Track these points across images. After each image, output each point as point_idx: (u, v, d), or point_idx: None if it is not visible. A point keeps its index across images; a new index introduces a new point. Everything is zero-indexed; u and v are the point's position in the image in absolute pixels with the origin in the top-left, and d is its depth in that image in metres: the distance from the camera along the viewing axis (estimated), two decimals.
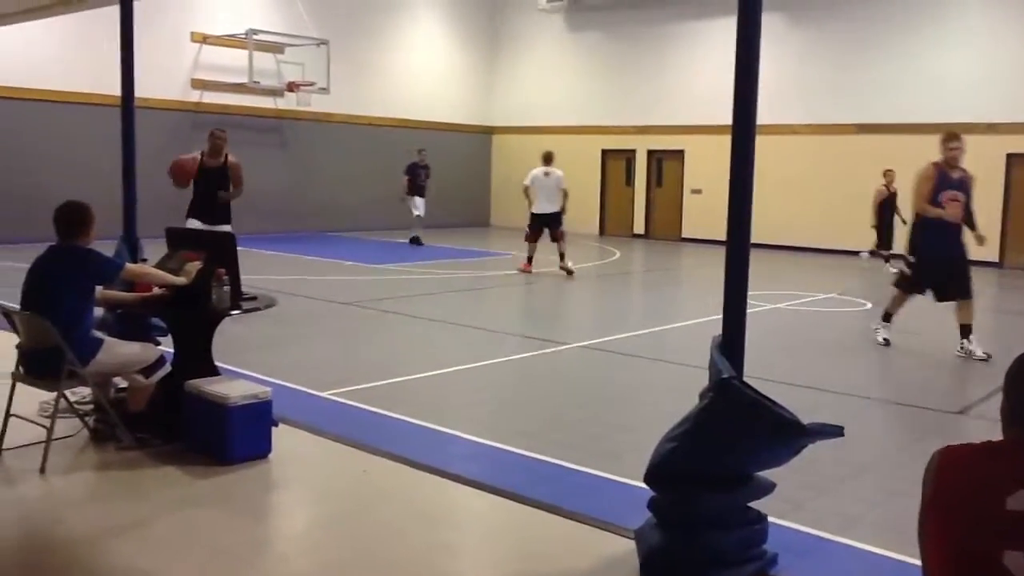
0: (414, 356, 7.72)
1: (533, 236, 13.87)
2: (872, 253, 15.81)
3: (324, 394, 6.23)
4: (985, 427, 5.64)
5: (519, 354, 7.86)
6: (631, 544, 3.67)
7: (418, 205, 18.04)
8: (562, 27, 23.22)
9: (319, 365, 7.09)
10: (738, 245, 3.71)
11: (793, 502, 4.28)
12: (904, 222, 14.23)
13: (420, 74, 22.67)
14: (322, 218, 20.40)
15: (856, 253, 17.10)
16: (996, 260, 17.10)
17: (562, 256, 13.68)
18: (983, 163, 17.09)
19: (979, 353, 7.77)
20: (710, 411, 3.44)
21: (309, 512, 4.32)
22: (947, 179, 7.95)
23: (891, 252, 14.64)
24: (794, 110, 18.85)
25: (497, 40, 24.38)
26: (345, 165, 20.96)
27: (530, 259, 13.87)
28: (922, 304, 11.41)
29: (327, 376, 6.70)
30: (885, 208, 15.17)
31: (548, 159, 14.08)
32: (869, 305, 11.43)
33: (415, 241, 18.03)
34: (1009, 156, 16.97)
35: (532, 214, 13.94)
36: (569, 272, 13.59)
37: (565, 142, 22.35)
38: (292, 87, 19.23)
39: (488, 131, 24.57)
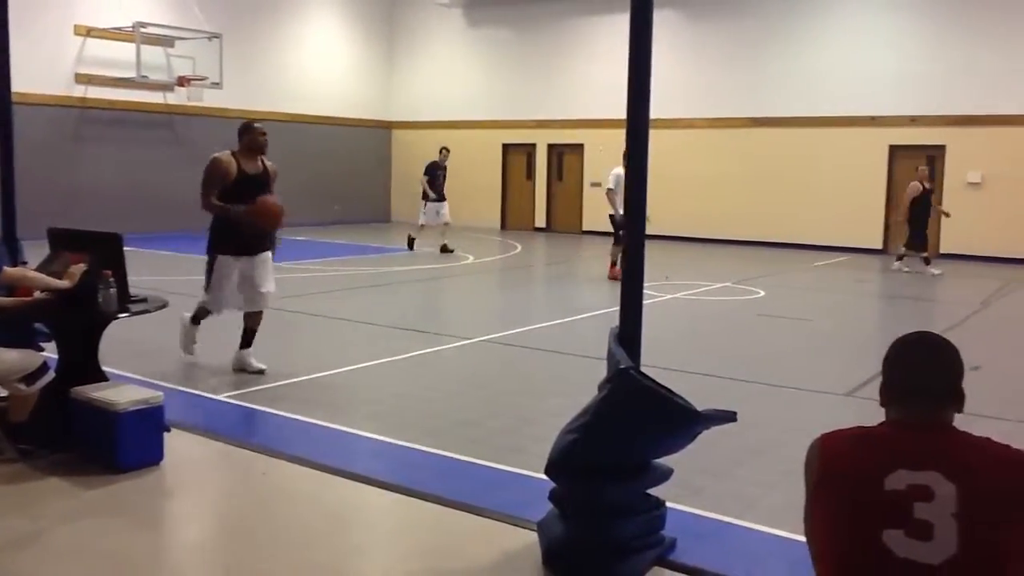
0: (315, 355, 7.59)
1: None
2: (904, 254, 14.78)
3: (220, 397, 6.07)
4: (872, 407, 5.86)
5: (422, 350, 7.82)
6: (535, 536, 3.70)
7: (430, 211, 16.21)
8: (461, 21, 23.17)
9: (214, 367, 6.90)
10: (634, 237, 3.76)
11: (691, 487, 4.37)
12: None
13: (317, 69, 22.30)
14: None
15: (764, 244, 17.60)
16: (880, 247, 17.87)
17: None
18: (867, 155, 17.89)
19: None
20: (609, 402, 3.48)
21: (207, 519, 4.21)
22: None
23: (925, 254, 14.40)
24: (691, 104, 19.27)
25: (395, 34, 24.17)
26: None
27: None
28: (811, 292, 11.84)
29: (222, 378, 6.53)
30: (920, 206, 14.32)
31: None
32: (762, 293, 11.79)
33: (444, 249, 16.02)
34: (891, 148, 17.73)
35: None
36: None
37: (466, 137, 22.33)
38: (183, 82, 18.65)
39: (387, 126, 24.36)
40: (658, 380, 3.46)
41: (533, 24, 21.87)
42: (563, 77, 21.39)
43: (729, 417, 3.49)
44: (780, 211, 18.47)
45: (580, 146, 21.40)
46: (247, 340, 6.83)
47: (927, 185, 14.48)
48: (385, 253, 16.39)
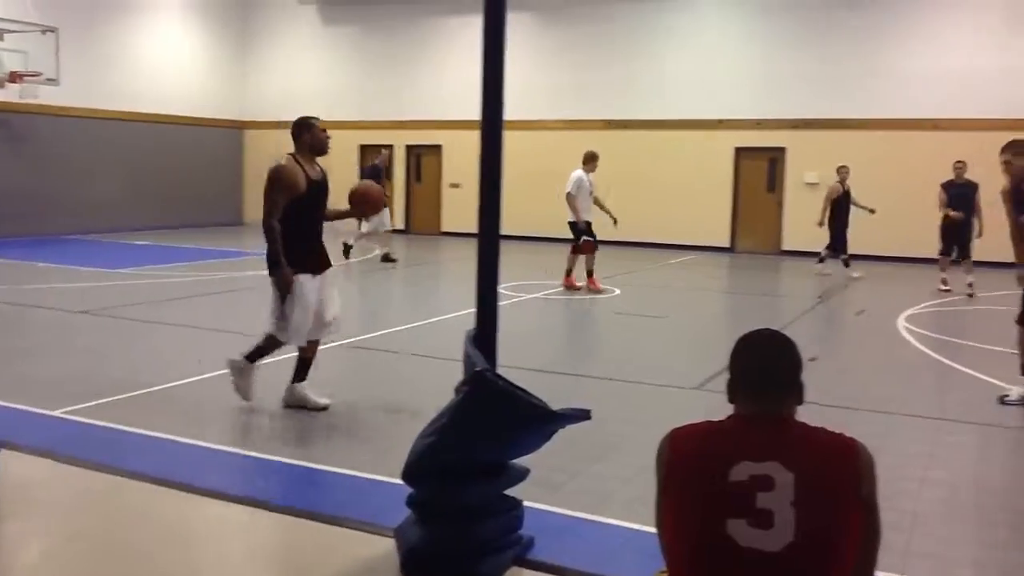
0: (160, 366, 7.25)
1: None
2: (826, 256, 14.68)
3: (56, 413, 5.71)
4: (721, 400, 6.08)
5: (276, 357, 7.60)
6: (392, 544, 3.64)
7: (373, 219, 15.20)
8: (316, 20, 22.73)
9: (50, 381, 6.49)
10: (489, 237, 3.76)
11: (548, 485, 4.41)
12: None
13: (164, 66, 21.37)
14: (62, 220, 18.76)
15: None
16: (728, 245, 18.63)
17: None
18: (714, 156, 18.59)
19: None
20: (465, 405, 3.47)
21: (44, 542, 3.94)
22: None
23: (845, 256, 14.26)
24: (548, 106, 19.55)
25: (249, 30, 23.47)
26: (86, 162, 19.41)
27: None
28: (665, 290, 12.18)
29: (59, 393, 6.14)
30: (839, 208, 14.26)
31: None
32: (618, 291, 12.06)
33: (347, 251, 15.27)
34: (737, 150, 18.51)
35: None
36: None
37: None
38: (14, 77, 17.50)
39: (240, 126, 23.62)
40: (515, 381, 3.47)
41: (390, 24, 21.69)
42: (421, 78, 21.30)
43: (583, 415, 3.53)
44: (634, 211, 18.88)
45: (438, 147, 21.36)
46: (303, 372, 5.95)
47: (846, 186, 14.31)
48: (241, 257, 15.88)
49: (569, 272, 12.18)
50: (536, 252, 16.65)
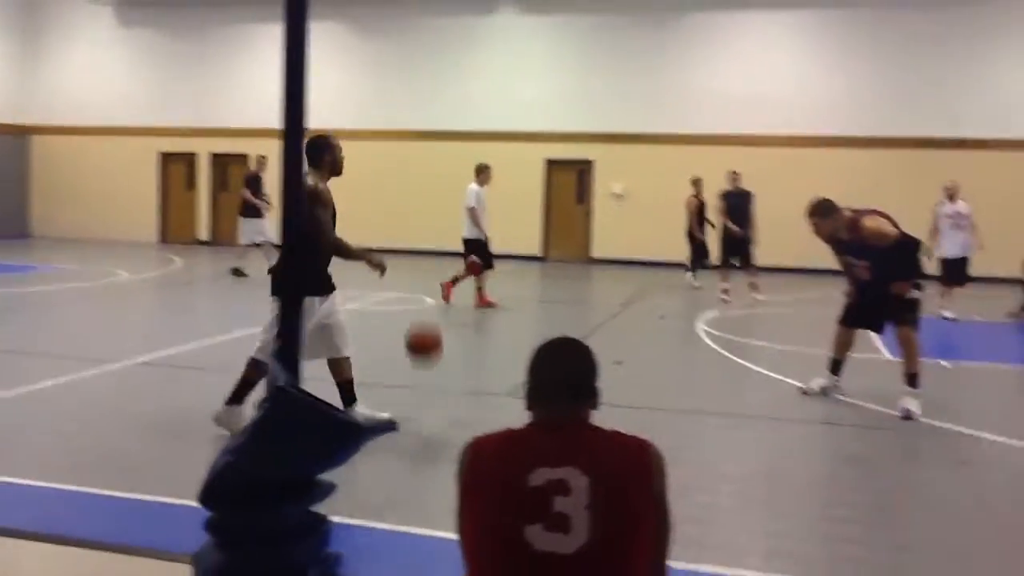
0: None
1: None
2: (695, 268, 14.71)
3: None
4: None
5: (67, 375, 7.08)
6: (190, 571, 3.45)
7: (250, 230, 14.40)
8: (112, 20, 21.48)
9: None
10: (290, 248, 3.65)
11: (357, 499, 4.33)
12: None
13: None
14: None
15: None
16: (540, 254, 19.06)
17: None
18: (525, 168, 18.98)
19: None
20: (266, 421, 3.34)
21: None
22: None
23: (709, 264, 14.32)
24: (356, 116, 19.34)
25: (36, 31, 21.84)
26: None
27: None
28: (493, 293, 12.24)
29: None
30: (697, 219, 14.39)
31: None
32: (431, 301, 12.06)
33: (238, 272, 14.42)
34: (548, 162, 18.98)
35: None
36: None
37: (118, 144, 20.79)
38: None
39: (25, 131, 21.94)
40: (320, 395, 3.38)
41: (193, 28, 20.80)
42: (226, 85, 20.55)
43: (390, 427, 3.49)
44: (447, 222, 19.02)
45: (245, 156, 20.64)
46: (350, 394, 5.51)
47: (702, 198, 14.41)
48: (27, 272, 14.72)
49: (480, 289, 11.77)
50: (349, 264, 16.36)
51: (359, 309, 11.41)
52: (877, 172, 16.66)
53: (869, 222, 6.80)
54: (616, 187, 18.56)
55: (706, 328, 10.39)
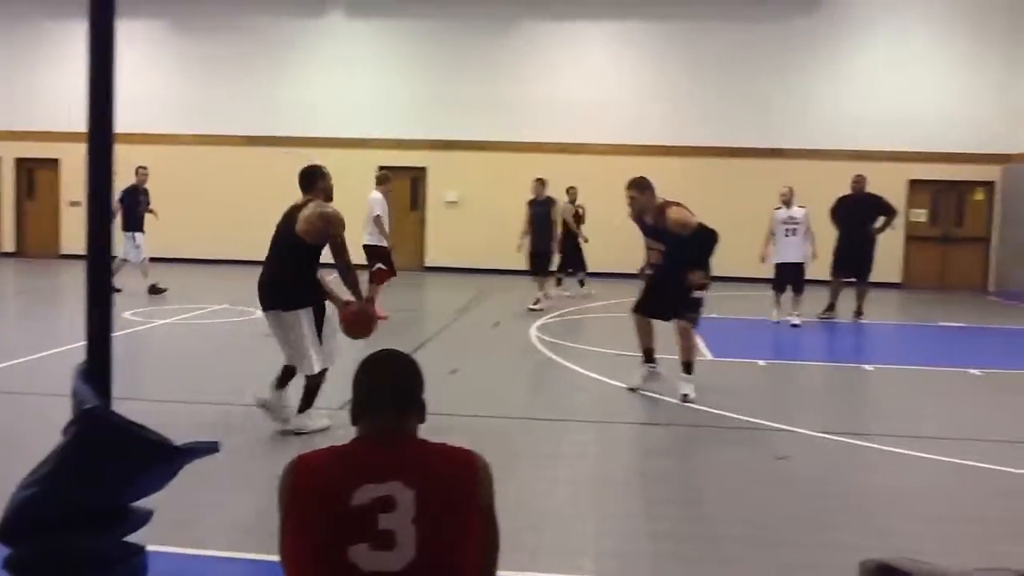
0: None
1: None
2: (562, 277, 14.68)
3: None
4: None
5: None
6: None
7: (130, 245, 13.38)
8: None
9: None
10: (97, 259, 3.40)
11: (179, 525, 4.11)
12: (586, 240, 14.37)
13: None
14: None
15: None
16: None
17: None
18: (357, 175, 18.66)
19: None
20: (73, 447, 3.09)
21: None
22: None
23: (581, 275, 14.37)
24: (181, 120, 18.54)
25: None
26: None
27: None
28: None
29: None
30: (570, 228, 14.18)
31: None
32: (258, 313, 11.65)
33: (156, 290, 13.43)
34: (380, 168, 18.74)
35: None
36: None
37: None
38: None
39: None
40: (135, 416, 3.17)
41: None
42: (33, 83, 19.18)
43: (211, 448, 3.30)
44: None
45: (55, 161, 19.36)
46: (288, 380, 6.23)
47: (577, 207, 14.46)
48: None
49: (371, 300, 11.41)
50: (178, 273, 15.70)
51: (185, 322, 10.91)
52: (699, 180, 17.42)
53: (674, 212, 7.41)
54: (450, 195, 18.60)
55: (538, 334, 10.55)
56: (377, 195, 11.76)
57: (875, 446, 6.13)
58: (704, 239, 7.36)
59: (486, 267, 17.72)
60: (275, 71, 18.74)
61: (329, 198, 6.29)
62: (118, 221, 13.03)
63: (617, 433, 6.54)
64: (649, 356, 7.64)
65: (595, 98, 18.00)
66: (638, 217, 7.64)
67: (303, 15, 18.75)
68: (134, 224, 13.44)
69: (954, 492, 5.36)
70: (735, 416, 6.81)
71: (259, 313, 11.43)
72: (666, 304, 7.44)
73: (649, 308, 7.61)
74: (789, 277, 11.88)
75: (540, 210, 13.08)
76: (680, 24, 17.90)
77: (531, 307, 12.57)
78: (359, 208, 18.85)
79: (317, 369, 6.08)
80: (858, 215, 12.23)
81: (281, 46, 18.76)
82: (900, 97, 17.26)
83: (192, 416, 6.32)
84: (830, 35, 17.54)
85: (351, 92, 18.57)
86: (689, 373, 7.36)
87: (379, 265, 11.44)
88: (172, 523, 3.76)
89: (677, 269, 7.28)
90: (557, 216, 13.16)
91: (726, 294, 15.29)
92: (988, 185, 17.59)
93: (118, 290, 13.03)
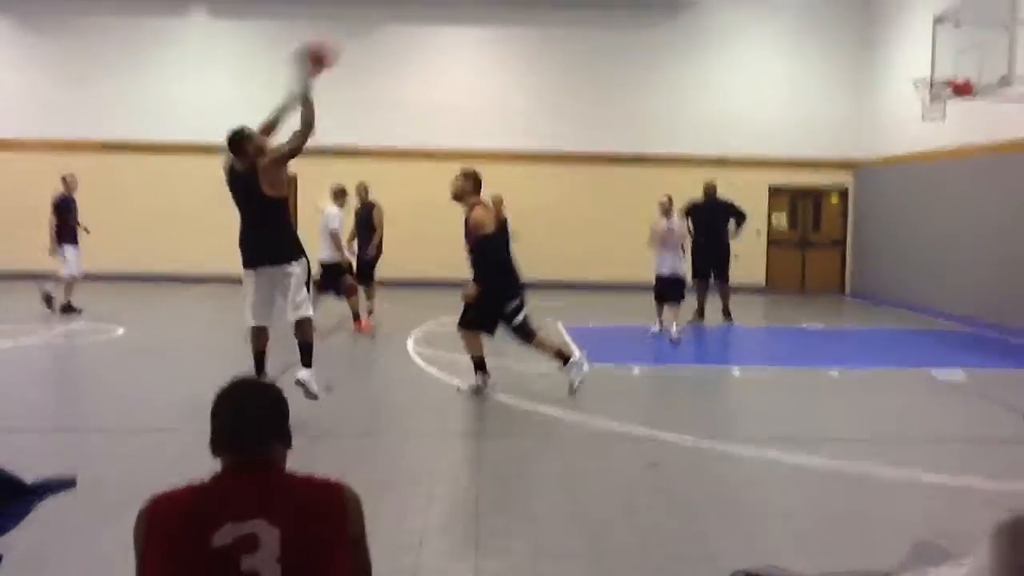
0: None
1: None
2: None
3: None
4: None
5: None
6: None
7: (71, 258, 12.55)
8: None
9: None
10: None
11: (34, 565, 3.86)
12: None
13: None
14: None
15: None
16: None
17: None
18: (216, 183, 18.03)
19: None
20: None
21: None
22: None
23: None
24: (29, 124, 17.56)
25: None
26: None
27: None
28: (177, 323, 11.59)
29: None
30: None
31: None
32: (122, 330, 11.16)
33: (67, 308, 12.39)
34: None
35: None
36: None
37: None
38: None
39: None
40: None
41: None
42: None
43: (68, 483, 3.12)
44: (138, 242, 17.73)
45: None
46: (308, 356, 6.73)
47: (505, 214, 13.78)
48: None
49: (357, 316, 11.45)
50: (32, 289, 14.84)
51: (40, 344, 10.31)
52: (567, 186, 17.72)
53: (477, 212, 7.59)
54: (321, 203, 18.22)
55: (415, 347, 10.47)
56: (334, 209, 11.63)
57: (742, 449, 6.34)
58: (483, 253, 7.57)
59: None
60: (134, 73, 17.96)
61: (261, 155, 6.46)
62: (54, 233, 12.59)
63: (493, 446, 6.53)
64: (480, 365, 7.76)
65: (461, 104, 18.01)
66: (458, 201, 7.85)
67: (163, 13, 18.04)
68: (69, 236, 12.78)
69: (818, 493, 5.59)
70: (608, 423, 6.91)
71: (122, 330, 11.04)
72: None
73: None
74: (669, 289, 11.64)
75: (361, 216, 12.56)
76: (546, 30, 18.10)
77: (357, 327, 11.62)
78: (225, 219, 18.25)
79: (312, 311, 6.73)
80: (711, 220, 12.76)
81: (140, 46, 18.02)
82: (760, 105, 17.99)
83: (45, 447, 5.97)
84: (695, 44, 18.10)
85: (214, 95, 17.93)
86: (479, 370, 7.71)
87: (347, 277, 11.56)
88: (27, 565, 3.53)
89: (478, 276, 7.55)
90: (378, 222, 12.52)
91: (598, 300, 15.58)
92: (842, 191, 18.53)
93: (77, 310, 12.29)
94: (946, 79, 11.31)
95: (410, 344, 10.59)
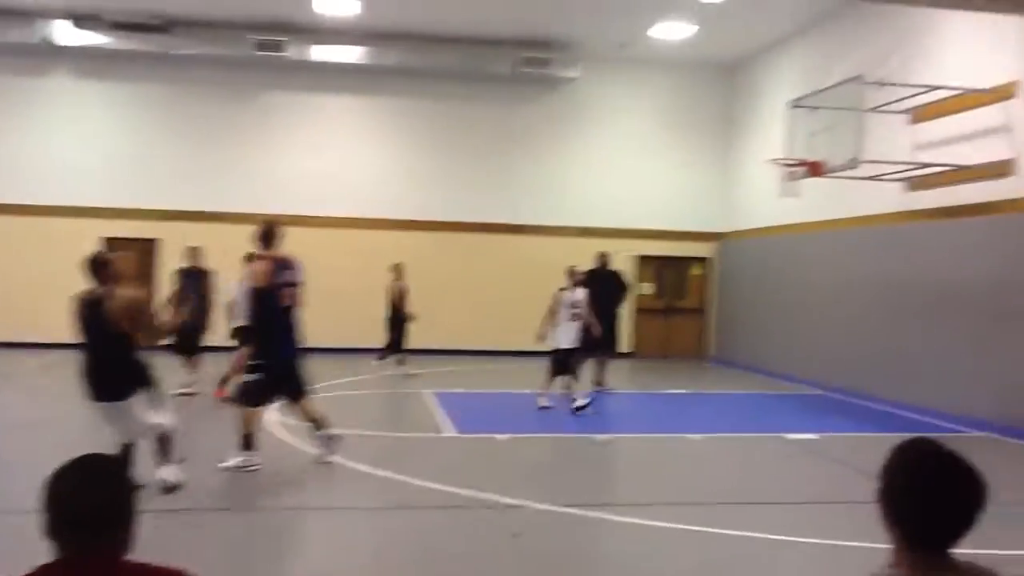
0: None
1: None
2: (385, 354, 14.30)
3: None
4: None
5: None
6: None
7: None
8: None
9: None
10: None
11: None
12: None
13: None
14: None
15: None
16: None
17: None
18: (81, 246, 17.25)
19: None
20: None
21: None
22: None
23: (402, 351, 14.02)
24: None
25: None
26: None
27: None
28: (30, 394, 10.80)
29: None
30: (396, 307, 14.04)
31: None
32: None
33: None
34: (108, 240, 17.51)
35: None
36: None
37: None
38: None
39: None
40: None
41: None
42: None
43: None
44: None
45: None
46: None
47: (404, 283, 14.18)
48: None
49: (225, 382, 10.98)
50: None
51: None
52: (440, 254, 17.72)
53: (257, 264, 7.37)
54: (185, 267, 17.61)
55: (277, 416, 10.10)
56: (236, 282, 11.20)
57: (605, 515, 6.33)
58: (257, 303, 7.24)
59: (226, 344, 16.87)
60: None
61: (120, 281, 6.11)
62: None
63: (351, 519, 6.32)
64: (248, 442, 7.28)
65: (334, 171, 17.86)
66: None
67: (24, 74, 17.28)
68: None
69: (678, 555, 5.62)
70: (472, 493, 6.79)
71: None
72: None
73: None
74: (571, 359, 11.24)
75: (187, 281, 12.05)
76: (427, 102, 18.22)
77: (181, 391, 11.23)
78: (79, 284, 17.42)
79: (163, 421, 6.26)
80: (603, 290, 12.73)
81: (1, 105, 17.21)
82: (630, 179, 18.55)
83: None
84: (570, 119, 18.56)
85: (77, 158, 17.26)
86: (246, 447, 7.19)
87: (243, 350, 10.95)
88: None
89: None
90: (209, 289, 12.11)
91: (471, 367, 15.52)
92: (705, 261, 19.21)
93: None
94: (800, 159, 11.92)
95: (271, 414, 10.22)
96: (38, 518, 1.91)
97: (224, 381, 11.14)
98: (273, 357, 7.27)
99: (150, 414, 6.16)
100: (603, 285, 12.84)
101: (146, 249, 17.53)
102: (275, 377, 7.26)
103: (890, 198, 12.62)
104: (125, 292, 6.02)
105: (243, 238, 16.98)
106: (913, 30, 12.38)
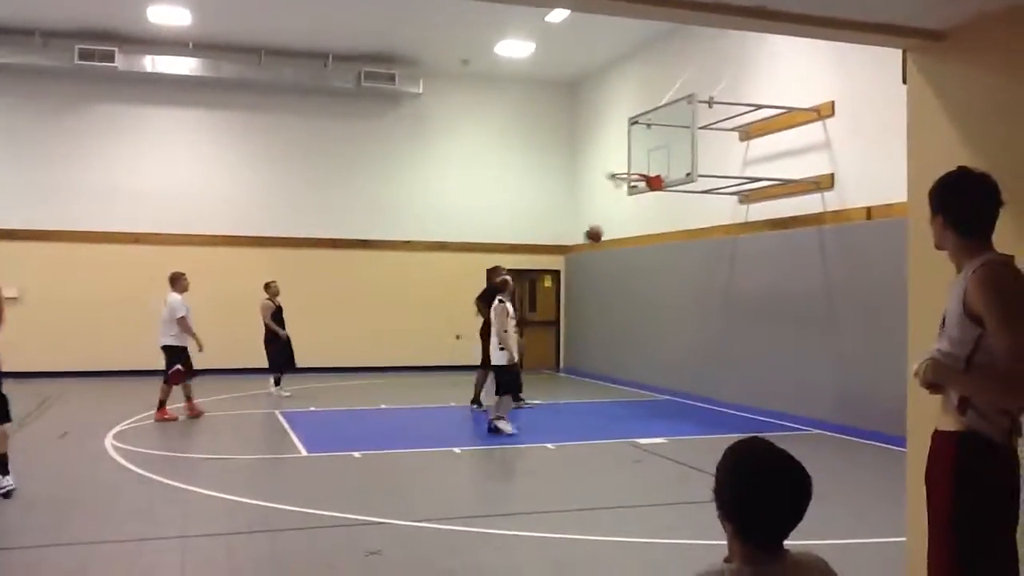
0: None
1: None
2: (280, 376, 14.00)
3: None
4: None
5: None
6: None
7: None
8: None
9: None
10: None
11: None
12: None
13: None
14: None
15: None
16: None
17: None
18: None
19: None
20: None
21: None
22: None
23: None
24: None
25: None
26: None
27: None
28: None
29: None
30: (276, 323, 13.96)
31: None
32: None
33: None
34: None
35: None
36: None
37: None
38: None
39: None
40: None
41: None
42: None
43: None
44: None
45: None
46: None
47: (278, 301, 14.09)
48: None
49: (163, 404, 11.24)
50: None
51: None
52: (287, 271, 17.33)
53: None
54: (9, 290, 16.54)
55: (115, 443, 9.63)
56: (177, 296, 11.55)
57: (461, 528, 6.36)
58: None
59: (55, 369, 15.95)
60: None
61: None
62: None
63: (206, 546, 6.08)
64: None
65: (174, 187, 17.24)
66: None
67: None
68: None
69: (532, 563, 5.71)
70: (326, 513, 6.68)
71: None
72: None
73: None
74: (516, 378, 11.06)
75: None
76: (270, 116, 17.83)
77: None
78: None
79: None
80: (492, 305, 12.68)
81: None
82: (479, 193, 18.75)
83: None
84: (416, 133, 18.56)
85: None
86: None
87: (178, 366, 11.29)
88: None
89: None
90: None
91: (323, 385, 15.24)
92: (555, 273, 19.60)
93: None
94: (640, 173, 12.36)
95: (108, 440, 9.73)
96: None
97: (162, 404, 11.29)
98: None
99: None
100: (488, 302, 12.85)
101: None
102: None
103: (725, 211, 13.29)
104: None
105: (71, 257, 16.36)
106: (740, 51, 13.09)
